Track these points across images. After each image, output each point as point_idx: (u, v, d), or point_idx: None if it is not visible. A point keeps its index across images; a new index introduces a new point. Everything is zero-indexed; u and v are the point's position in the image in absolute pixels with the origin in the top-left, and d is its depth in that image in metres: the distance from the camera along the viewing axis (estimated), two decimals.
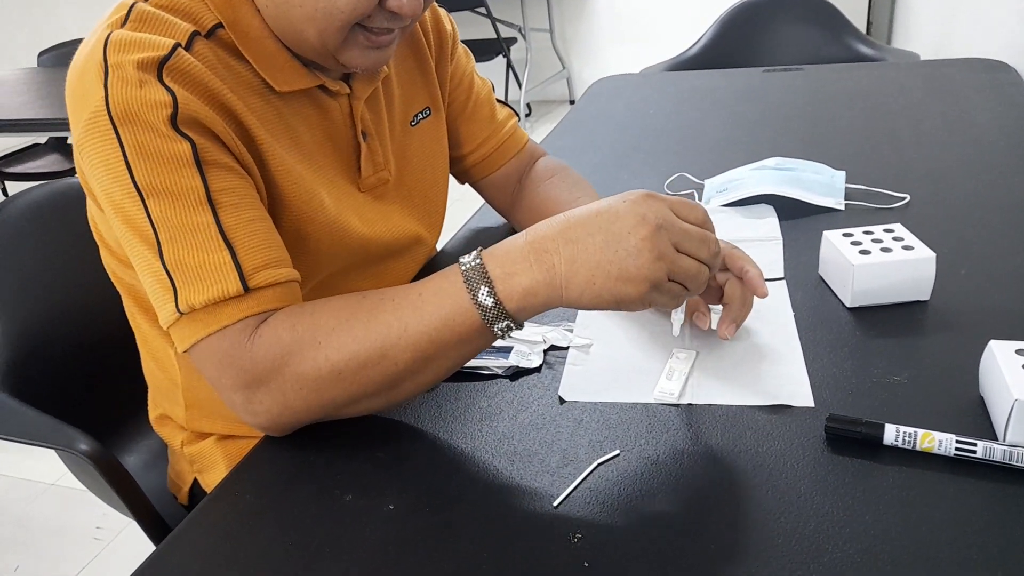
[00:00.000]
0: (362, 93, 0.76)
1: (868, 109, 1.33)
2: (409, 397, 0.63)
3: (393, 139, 0.83)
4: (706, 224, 0.59)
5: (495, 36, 3.86)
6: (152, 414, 0.89)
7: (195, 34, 0.65)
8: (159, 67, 0.60)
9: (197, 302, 0.59)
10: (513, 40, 4.06)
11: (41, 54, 2.85)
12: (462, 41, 0.95)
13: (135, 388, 0.89)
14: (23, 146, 2.86)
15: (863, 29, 3.28)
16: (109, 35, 0.61)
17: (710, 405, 0.64)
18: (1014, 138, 1.13)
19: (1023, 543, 0.48)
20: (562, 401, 0.66)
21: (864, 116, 1.30)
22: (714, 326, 0.71)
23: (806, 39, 2.02)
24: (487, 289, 0.57)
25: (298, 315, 0.61)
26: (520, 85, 4.07)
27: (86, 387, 0.96)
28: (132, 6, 0.64)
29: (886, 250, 0.73)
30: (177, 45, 0.62)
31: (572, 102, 4.41)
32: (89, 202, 0.71)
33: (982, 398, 0.61)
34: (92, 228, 0.75)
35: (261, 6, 0.67)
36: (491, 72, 4.14)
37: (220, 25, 0.67)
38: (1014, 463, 0.53)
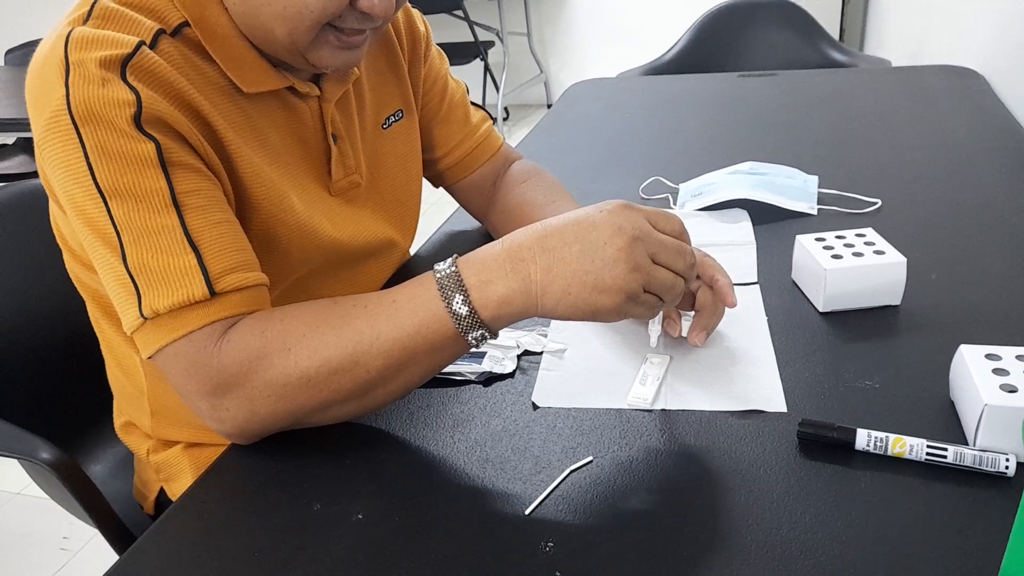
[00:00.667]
0: (332, 95, 0.75)
1: (841, 114, 1.35)
2: (381, 405, 0.62)
3: (364, 142, 0.82)
4: (682, 236, 0.59)
5: (472, 39, 3.85)
6: (117, 422, 0.87)
7: (160, 32, 0.63)
8: (122, 65, 0.59)
9: (161, 307, 0.58)
10: (491, 43, 4.05)
11: (8, 52, 2.79)
12: (439, 44, 0.94)
13: (100, 395, 0.87)
14: None
15: (836, 36, 3.32)
16: (71, 32, 0.59)
17: (683, 410, 0.63)
18: (984, 144, 1.15)
19: (993, 547, 0.48)
20: (535, 407, 0.66)
21: (837, 121, 1.31)
22: (685, 333, 0.71)
23: (781, 45, 2.04)
24: (462, 297, 0.57)
25: (268, 320, 0.60)
26: (497, 89, 4.06)
27: (50, 394, 0.94)
28: (95, 2, 0.62)
29: (858, 255, 0.74)
30: (141, 43, 0.61)
31: (550, 106, 4.42)
32: (52, 204, 0.69)
33: (953, 402, 0.61)
34: (55, 231, 0.73)
35: (229, 4, 0.65)
36: (468, 76, 4.13)
37: (186, 23, 0.65)
38: (984, 468, 0.53)
